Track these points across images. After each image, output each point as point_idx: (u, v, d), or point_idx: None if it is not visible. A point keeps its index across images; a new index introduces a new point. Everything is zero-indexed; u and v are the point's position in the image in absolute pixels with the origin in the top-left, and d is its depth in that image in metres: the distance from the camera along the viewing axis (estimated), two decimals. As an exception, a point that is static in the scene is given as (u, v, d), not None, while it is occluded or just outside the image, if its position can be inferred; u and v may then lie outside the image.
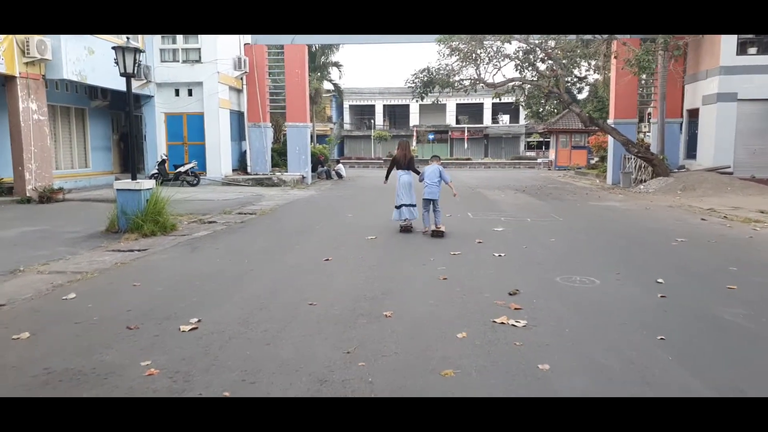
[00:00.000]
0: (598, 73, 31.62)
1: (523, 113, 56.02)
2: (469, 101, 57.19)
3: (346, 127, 60.22)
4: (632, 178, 20.27)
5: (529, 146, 59.13)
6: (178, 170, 19.44)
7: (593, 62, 19.67)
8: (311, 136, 31.30)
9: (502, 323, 4.58)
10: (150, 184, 9.69)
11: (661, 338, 4.26)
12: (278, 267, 6.83)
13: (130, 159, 9.94)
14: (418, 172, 9.87)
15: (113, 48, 9.38)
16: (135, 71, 9.48)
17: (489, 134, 58.72)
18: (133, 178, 9.69)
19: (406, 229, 9.55)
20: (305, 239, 8.90)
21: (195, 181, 19.49)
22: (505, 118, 59.73)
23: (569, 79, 19.43)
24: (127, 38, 9.66)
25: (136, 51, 9.32)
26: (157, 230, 9.29)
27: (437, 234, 9.11)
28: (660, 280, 6.04)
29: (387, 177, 10.42)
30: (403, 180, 9.75)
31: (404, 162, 9.87)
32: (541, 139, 55.08)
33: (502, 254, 7.48)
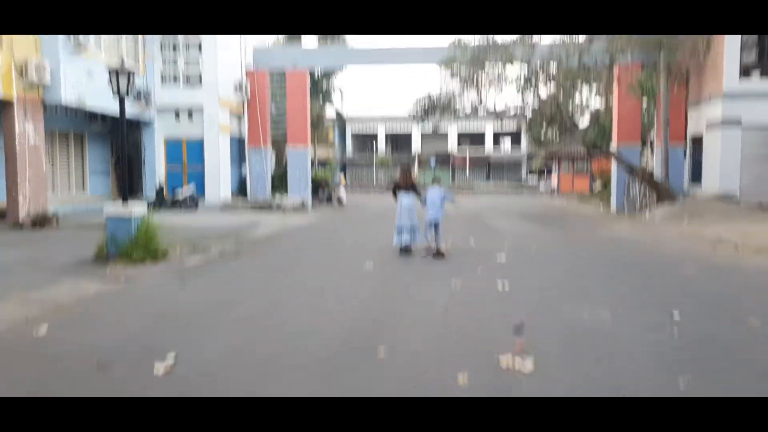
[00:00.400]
0: (600, 96, 31.63)
1: (524, 139, 56.25)
2: (471, 128, 57.35)
3: (349, 154, 60.31)
4: (637, 205, 19.94)
5: (531, 172, 59.02)
6: (176, 195, 19.20)
7: (594, 87, 19.53)
8: (313, 162, 31.21)
9: (508, 368, 4.19)
10: (141, 209, 9.39)
11: (683, 378, 3.88)
12: (267, 299, 6.47)
13: (122, 183, 9.67)
14: (419, 194, 9.95)
15: (107, 70, 9.17)
16: (129, 92, 9.25)
17: (491, 160, 58.66)
18: (125, 202, 9.39)
19: (405, 251, 9.58)
20: (299, 268, 8.56)
21: (193, 207, 19.23)
22: (507, 145, 59.81)
23: (570, 106, 19.32)
24: (123, 59, 9.47)
25: (131, 74, 9.12)
26: (147, 258, 8.96)
27: (438, 255, 9.26)
28: (675, 314, 5.66)
29: (395, 196, 10.31)
30: (404, 203, 9.79)
31: (404, 185, 9.96)
32: (544, 166, 55.06)
33: (506, 284, 7.12)
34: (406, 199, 9.78)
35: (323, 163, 47.77)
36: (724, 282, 7.54)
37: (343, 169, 57.71)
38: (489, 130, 57.88)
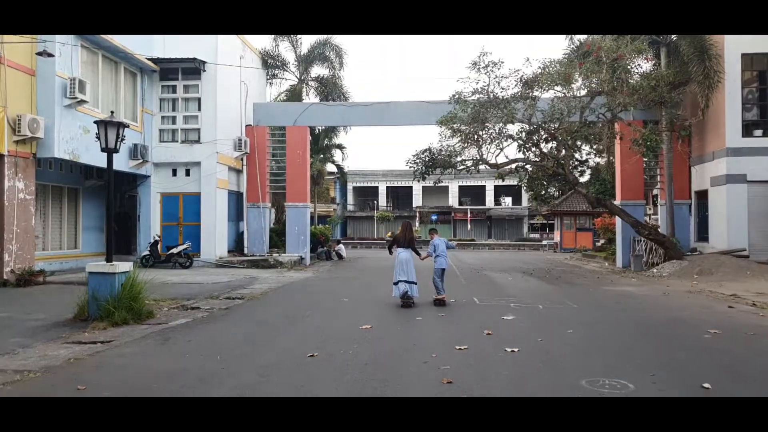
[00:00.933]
0: (600, 156, 31.62)
1: (525, 196, 56.27)
2: (472, 183, 57.49)
3: (350, 208, 60.24)
4: (643, 261, 19.41)
5: (533, 228, 58.66)
6: (171, 251, 18.72)
7: (595, 145, 19.39)
8: (313, 217, 30.88)
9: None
10: (126, 266, 8.89)
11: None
12: (252, 366, 5.87)
13: (108, 239, 9.20)
14: (418, 252, 10.55)
15: (95, 122, 8.88)
16: (118, 146, 8.92)
17: (492, 216, 58.50)
18: (109, 259, 8.90)
19: (407, 305, 9.84)
20: (291, 330, 7.96)
21: (188, 263, 18.70)
22: (507, 201, 59.77)
23: (572, 161, 19.12)
24: (112, 111, 9.20)
25: (120, 125, 8.82)
26: (131, 318, 8.39)
27: (439, 303, 10.06)
28: (706, 385, 5.06)
29: (390, 251, 11.19)
30: (402, 257, 10.23)
31: (404, 241, 10.47)
32: (545, 221, 54.81)
33: (515, 349, 6.52)
34: (404, 253, 10.26)
35: (324, 219, 47.60)
36: (752, 347, 6.94)
37: (344, 231, 57.57)
38: (490, 185, 57.99)
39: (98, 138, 8.68)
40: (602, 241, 33.12)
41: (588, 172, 31.66)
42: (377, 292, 12.43)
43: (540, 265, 22.77)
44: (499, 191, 58.89)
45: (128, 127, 8.92)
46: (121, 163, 17.95)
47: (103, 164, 17.60)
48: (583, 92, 17.00)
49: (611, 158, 25.25)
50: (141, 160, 18.46)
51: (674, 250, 17.99)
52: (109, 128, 8.69)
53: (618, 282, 15.30)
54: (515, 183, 25.21)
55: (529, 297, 11.58)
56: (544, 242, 42.17)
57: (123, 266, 8.83)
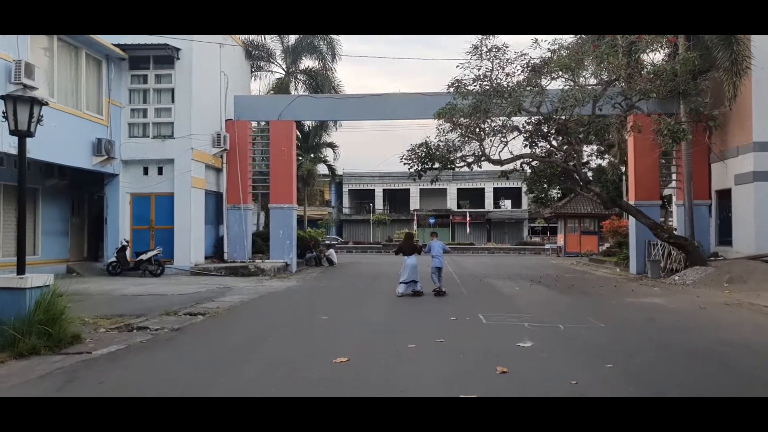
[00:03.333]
0: (604, 156, 29.88)
1: (525, 198, 54.56)
2: (470, 186, 55.77)
3: (345, 211, 58.49)
4: (661, 267, 17.63)
5: (534, 231, 56.92)
6: (140, 258, 16.87)
7: (607, 139, 17.65)
8: (303, 220, 29.08)
9: None
10: (42, 279, 7.07)
11: None
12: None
13: (19, 243, 7.35)
14: (420, 252, 12.52)
15: (1, 97, 7.02)
16: (33, 129, 7.07)
17: (491, 219, 56.79)
18: (20, 270, 7.05)
19: (417, 294, 11.90)
20: (242, 365, 6.14)
21: (158, 271, 16.87)
22: (507, 204, 58.05)
23: (581, 159, 17.39)
24: (24, 86, 7.42)
25: (34, 102, 6.97)
26: (43, 346, 6.56)
27: (439, 293, 11.85)
28: None
29: (396, 253, 13.05)
30: (409, 262, 12.03)
31: (408, 250, 12.33)
32: (546, 224, 53.07)
33: (543, 390, 4.71)
34: (410, 259, 12.06)
35: (316, 222, 45.77)
36: None
37: (339, 234, 55.75)
38: (489, 187, 56.27)
39: (5, 118, 6.84)
40: (607, 245, 31.40)
41: (589, 174, 29.93)
42: (364, 308, 10.65)
43: (546, 271, 20.98)
44: (499, 194, 57.22)
45: (46, 104, 7.07)
46: (83, 159, 16.13)
47: (64, 160, 16.03)
48: (595, 81, 15.23)
49: (620, 157, 23.57)
50: (106, 157, 16.60)
51: (697, 256, 16.23)
52: (20, 106, 6.84)
53: (640, 292, 13.51)
54: (518, 184, 23.57)
55: (545, 313, 9.77)
56: (547, 246, 40.40)
57: (38, 279, 7.01)
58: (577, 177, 16.46)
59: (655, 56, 18.09)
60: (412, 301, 11.61)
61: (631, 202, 19.16)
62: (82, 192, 18.84)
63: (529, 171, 18.08)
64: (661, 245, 17.89)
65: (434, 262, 12.07)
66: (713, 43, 16.35)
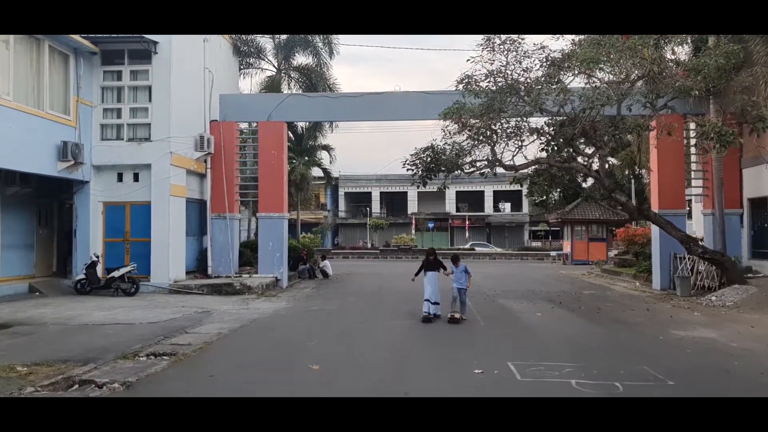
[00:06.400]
0: (617, 157, 28.26)
1: (526, 201, 52.93)
2: (470, 189, 54.16)
3: (341, 214, 56.81)
4: (691, 284, 15.95)
5: (535, 236, 55.33)
6: (112, 275, 15.08)
7: (630, 136, 15.94)
8: (296, 226, 27.32)
9: None
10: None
11: None
12: None
13: None
14: (444, 267, 11.73)
15: None
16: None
17: (491, 222, 55.23)
18: None
19: (427, 320, 11.09)
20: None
21: (132, 289, 15.08)
22: (507, 207, 56.45)
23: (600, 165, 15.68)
24: None
25: None
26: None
27: (453, 320, 10.85)
28: None
29: (417, 273, 12.10)
30: (430, 277, 11.53)
31: (429, 264, 11.76)
32: (548, 229, 51.50)
33: None
34: (431, 274, 11.57)
35: (311, 227, 44.00)
36: None
37: (334, 238, 54.00)
38: (489, 190, 54.65)
39: None
40: (615, 252, 29.76)
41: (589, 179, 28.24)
42: (365, 348, 8.89)
43: (560, 286, 19.28)
44: (499, 197, 55.63)
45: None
46: (46, 164, 14.33)
47: (22, 167, 14.00)
48: (623, 77, 13.52)
49: (640, 161, 21.88)
50: (72, 162, 14.77)
51: (735, 272, 14.57)
52: None
53: (681, 319, 11.76)
54: (518, 187, 21.86)
55: (587, 357, 7.99)
56: (552, 253, 38.66)
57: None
58: (600, 185, 14.75)
59: (680, 50, 16.49)
60: (425, 336, 9.90)
61: (655, 210, 17.49)
62: (50, 200, 17.03)
63: (536, 176, 16.39)
64: (689, 259, 16.22)
65: (455, 284, 11.32)
66: (750, 36, 14.72)
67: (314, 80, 22.81)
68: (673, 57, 14.69)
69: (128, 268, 15.25)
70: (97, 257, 15.50)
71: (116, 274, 15.07)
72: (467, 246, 47.16)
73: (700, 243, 15.26)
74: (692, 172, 18.28)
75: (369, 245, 49.29)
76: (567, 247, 34.99)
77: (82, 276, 15.30)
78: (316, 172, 32.52)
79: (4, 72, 12.91)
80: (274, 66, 22.90)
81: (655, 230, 17.70)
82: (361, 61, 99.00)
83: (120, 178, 16.36)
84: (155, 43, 15.83)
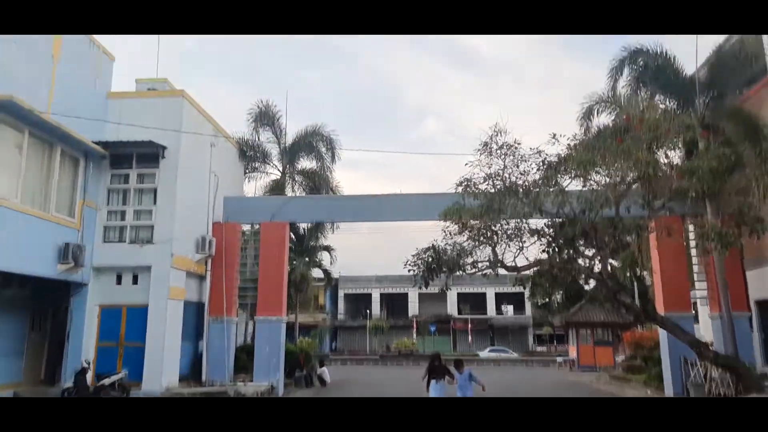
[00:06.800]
0: (617, 258, 28.21)
1: (528, 303, 52.24)
2: (471, 290, 53.63)
3: (341, 317, 55.77)
4: (706, 391, 15.26)
5: (539, 339, 53.99)
6: (102, 382, 14.48)
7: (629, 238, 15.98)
8: (294, 329, 26.67)
9: None
10: None
11: None
12: None
13: None
14: (451, 374, 11.21)
15: None
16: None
17: (494, 325, 54.09)
18: None
19: None
20: None
21: (122, 397, 14.40)
22: (509, 309, 55.62)
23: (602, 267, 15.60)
24: None
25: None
26: None
27: None
28: None
29: (424, 377, 11.58)
30: (434, 389, 11.05)
31: (435, 371, 11.27)
32: (553, 332, 50.36)
33: None
34: (437, 390, 11.00)
35: (308, 330, 43.00)
36: None
37: (332, 343, 52.73)
38: (491, 292, 54.12)
39: None
40: (622, 357, 28.78)
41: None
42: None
43: (571, 394, 18.42)
44: (501, 299, 54.97)
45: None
46: (46, 267, 14.24)
47: (23, 269, 13.93)
48: (618, 179, 13.81)
49: (642, 262, 21.85)
50: (72, 264, 14.70)
51: (751, 379, 13.92)
52: None
53: None
54: (520, 289, 21.56)
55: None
56: (558, 359, 37.43)
57: None
58: (603, 286, 14.55)
59: (673, 154, 17.01)
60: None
61: (661, 313, 17.14)
62: (45, 304, 16.72)
63: (538, 277, 16.26)
64: (701, 364, 15.64)
65: (459, 393, 11.04)
66: (737, 138, 15.28)
67: (317, 183, 23.34)
68: (666, 160, 15.13)
69: (119, 376, 14.69)
70: (88, 363, 14.96)
71: (106, 381, 14.49)
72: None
73: (710, 347, 14.79)
74: (695, 274, 18.17)
75: (368, 350, 47.98)
76: (573, 352, 34.02)
77: (70, 384, 14.65)
78: (316, 272, 32.36)
79: (14, 175, 13.22)
80: (279, 170, 23.54)
81: (662, 334, 17.27)
82: (361, 166, 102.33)
83: (119, 280, 16.22)
84: (164, 147, 16.36)
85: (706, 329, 19.48)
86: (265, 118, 23.25)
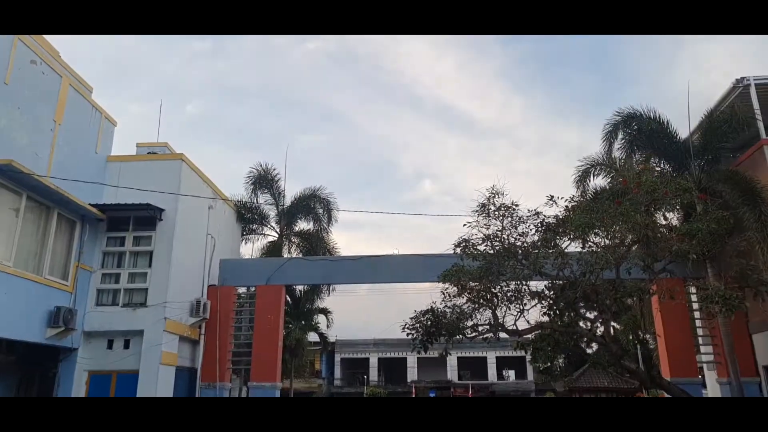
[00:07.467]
0: (619, 322, 27.74)
1: (530, 368, 50.97)
2: (471, 355, 52.48)
3: (337, 382, 54.19)
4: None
5: (543, 405, 52.37)
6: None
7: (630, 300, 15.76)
8: (289, 395, 25.82)
9: None
10: None
11: None
12: None
13: None
14: None
15: None
16: None
17: (496, 391, 52.53)
18: None
19: None
20: None
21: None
22: (511, 374, 54.22)
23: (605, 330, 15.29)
24: None
25: None
26: None
27: None
28: None
29: None
30: None
31: None
32: (555, 397, 48.85)
33: None
34: None
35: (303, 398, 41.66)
36: None
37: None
38: (491, 357, 52.93)
39: None
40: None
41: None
42: None
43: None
44: (502, 364, 53.68)
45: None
46: (35, 331, 13.87)
47: (10, 335, 13.61)
48: (617, 241, 13.76)
49: (643, 325, 21.40)
50: (63, 328, 14.34)
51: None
52: None
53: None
54: (521, 353, 21.08)
55: None
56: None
57: None
58: (606, 350, 14.19)
59: (671, 216, 17.04)
60: None
61: (667, 378, 16.65)
62: (32, 369, 16.17)
63: (540, 340, 15.89)
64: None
65: None
66: (735, 203, 15.36)
67: (314, 244, 23.27)
68: (665, 222, 15.14)
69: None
70: (73, 433, 14.30)
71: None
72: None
73: (721, 414, 14.25)
74: (699, 338, 17.80)
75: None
76: (578, 419, 32.86)
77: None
78: (312, 337, 31.70)
79: (9, 239, 13.10)
80: (276, 232, 23.53)
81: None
82: (359, 228, 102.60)
83: (110, 345, 15.78)
84: (161, 210, 16.35)
85: (714, 395, 18.88)
86: (263, 181, 23.46)
